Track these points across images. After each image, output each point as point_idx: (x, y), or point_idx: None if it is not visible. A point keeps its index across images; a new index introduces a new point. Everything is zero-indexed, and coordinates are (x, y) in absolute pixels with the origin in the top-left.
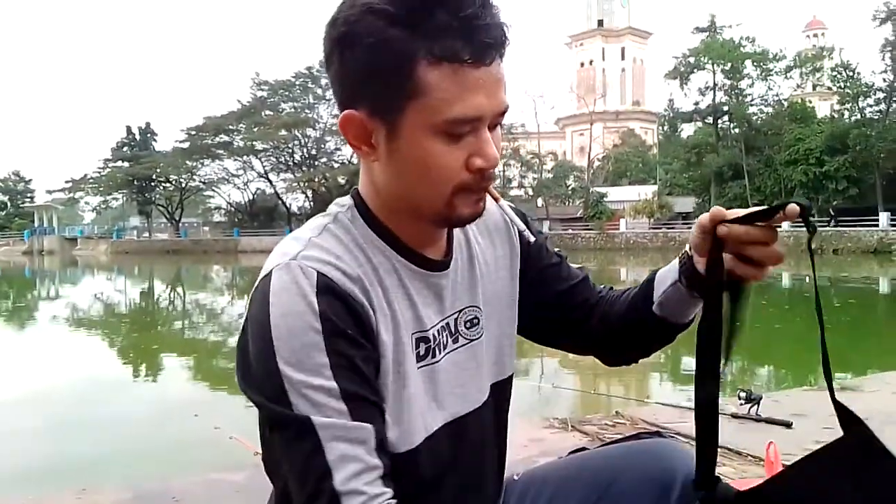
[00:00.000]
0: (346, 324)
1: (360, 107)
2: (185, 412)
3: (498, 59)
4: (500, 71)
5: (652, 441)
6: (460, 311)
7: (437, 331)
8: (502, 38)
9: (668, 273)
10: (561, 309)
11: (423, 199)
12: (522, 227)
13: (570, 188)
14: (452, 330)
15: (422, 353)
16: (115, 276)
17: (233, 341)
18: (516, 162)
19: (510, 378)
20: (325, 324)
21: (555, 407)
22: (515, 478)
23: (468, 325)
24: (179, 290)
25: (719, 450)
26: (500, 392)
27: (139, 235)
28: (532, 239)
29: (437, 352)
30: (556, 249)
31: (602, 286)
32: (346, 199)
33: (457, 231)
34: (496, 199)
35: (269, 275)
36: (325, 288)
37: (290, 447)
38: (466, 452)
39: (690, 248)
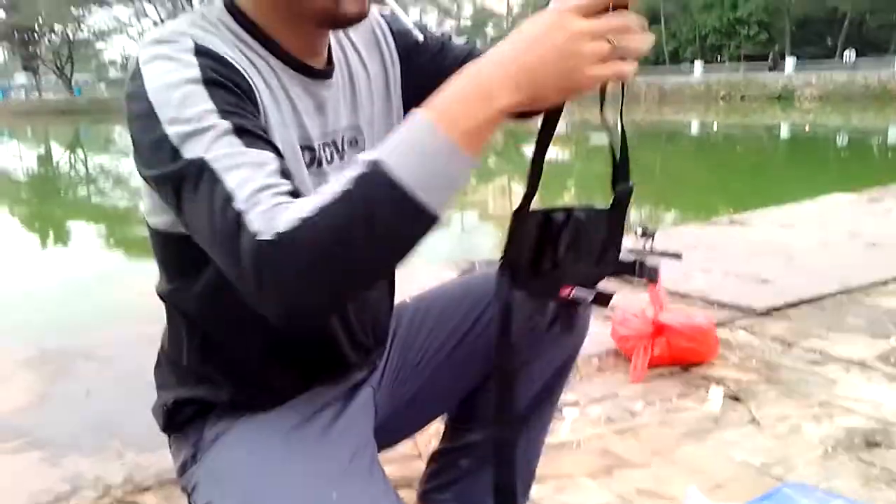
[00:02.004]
0: (230, 81)
1: None
2: (101, 278)
3: None
4: None
5: None
6: (343, 130)
7: (321, 145)
8: None
9: None
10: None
11: None
12: (405, 27)
13: (489, 37)
14: (338, 148)
15: (307, 161)
16: (6, 140)
17: (140, 205)
18: (433, 7)
19: None
20: (205, 76)
21: (468, 252)
22: (407, 300)
23: (351, 144)
24: (80, 153)
25: (613, 279)
26: None
27: (27, 95)
28: (419, 38)
29: (323, 164)
30: (437, 34)
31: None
32: (216, 2)
33: (334, 46)
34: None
35: (136, 57)
36: (203, 51)
37: (192, 199)
38: None
39: None
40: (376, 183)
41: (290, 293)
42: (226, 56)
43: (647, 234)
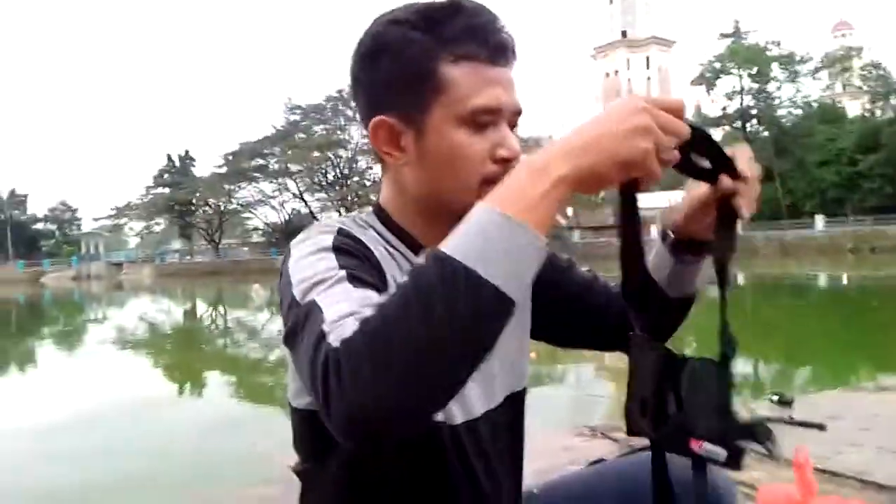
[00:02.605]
0: (359, 253)
1: (387, 112)
2: (224, 429)
3: (510, 64)
4: (512, 75)
5: None
6: None
7: None
8: (513, 44)
9: (658, 261)
10: (579, 314)
11: (453, 193)
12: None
13: (600, 196)
14: None
15: None
16: (159, 298)
17: (272, 357)
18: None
19: (524, 391)
20: (335, 244)
21: (587, 415)
22: (535, 491)
23: None
24: (221, 308)
25: (753, 453)
26: (515, 404)
27: (181, 258)
28: (563, 266)
29: None
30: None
31: (614, 283)
32: (366, 209)
33: None
34: None
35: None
36: (344, 233)
37: (301, 336)
38: (482, 455)
39: (665, 227)
40: (429, 266)
41: (355, 392)
42: (362, 238)
43: (784, 401)
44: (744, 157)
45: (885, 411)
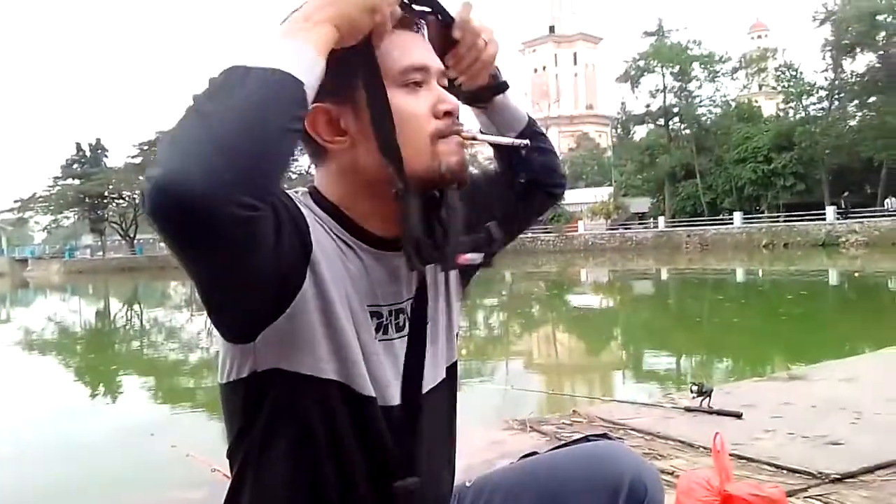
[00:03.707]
0: (289, 213)
1: (320, 101)
2: (143, 432)
3: (424, 32)
4: (429, 42)
5: (598, 444)
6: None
7: (390, 311)
8: (426, 14)
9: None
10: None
11: (409, 157)
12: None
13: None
14: (409, 316)
15: (375, 326)
16: (69, 297)
17: (193, 358)
18: (474, 167)
19: (456, 362)
20: None
21: (516, 408)
22: (468, 484)
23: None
24: (136, 307)
25: (671, 442)
26: (452, 376)
27: (93, 254)
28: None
29: (390, 331)
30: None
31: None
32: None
33: None
34: None
35: None
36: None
37: None
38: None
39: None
40: (221, 73)
41: (163, 168)
42: (300, 207)
43: (703, 392)
44: (465, 13)
45: (795, 399)
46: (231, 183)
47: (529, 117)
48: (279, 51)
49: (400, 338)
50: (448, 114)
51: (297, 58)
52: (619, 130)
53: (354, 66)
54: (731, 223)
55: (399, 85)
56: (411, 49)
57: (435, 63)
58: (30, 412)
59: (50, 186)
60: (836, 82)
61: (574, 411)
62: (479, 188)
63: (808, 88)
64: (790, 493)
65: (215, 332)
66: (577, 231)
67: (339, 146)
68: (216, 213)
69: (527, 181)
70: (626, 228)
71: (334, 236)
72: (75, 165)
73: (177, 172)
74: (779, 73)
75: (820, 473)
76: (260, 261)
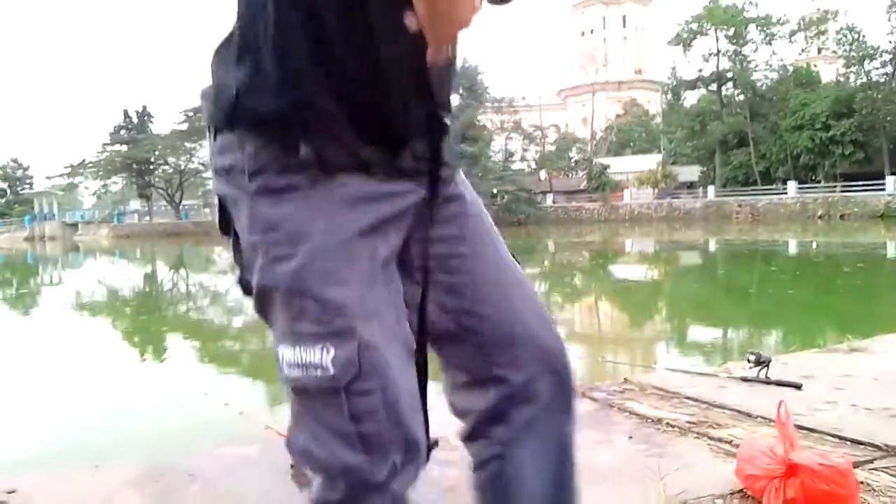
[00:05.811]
0: None
1: None
2: (196, 391)
3: None
4: None
5: None
6: None
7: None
8: None
9: None
10: None
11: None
12: None
13: (573, 160)
14: None
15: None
16: (118, 260)
17: (238, 321)
18: (518, 135)
19: None
20: None
21: None
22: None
23: None
24: (182, 272)
25: (728, 411)
26: None
27: (140, 219)
28: None
29: None
30: None
31: None
32: None
33: None
34: None
35: None
36: None
37: None
38: None
39: None
40: None
41: None
42: None
43: (760, 362)
44: None
45: (856, 371)
46: None
47: None
48: None
49: None
50: None
51: None
52: (668, 96)
53: None
54: (785, 193)
55: None
56: None
57: None
58: (87, 372)
59: (99, 152)
60: None
61: (626, 379)
62: None
63: (870, 52)
64: (856, 465)
65: None
66: (622, 200)
67: None
68: None
69: None
70: (673, 198)
71: None
72: (123, 132)
73: None
74: (840, 35)
75: (886, 446)
76: None
